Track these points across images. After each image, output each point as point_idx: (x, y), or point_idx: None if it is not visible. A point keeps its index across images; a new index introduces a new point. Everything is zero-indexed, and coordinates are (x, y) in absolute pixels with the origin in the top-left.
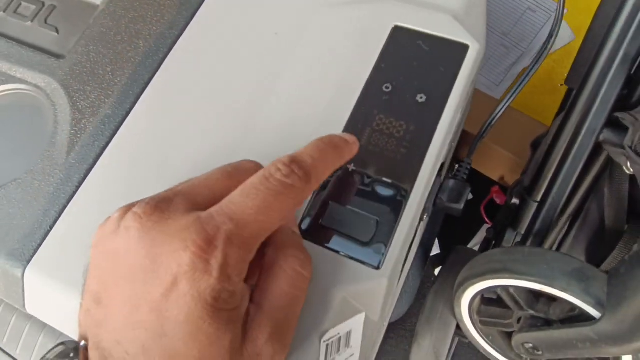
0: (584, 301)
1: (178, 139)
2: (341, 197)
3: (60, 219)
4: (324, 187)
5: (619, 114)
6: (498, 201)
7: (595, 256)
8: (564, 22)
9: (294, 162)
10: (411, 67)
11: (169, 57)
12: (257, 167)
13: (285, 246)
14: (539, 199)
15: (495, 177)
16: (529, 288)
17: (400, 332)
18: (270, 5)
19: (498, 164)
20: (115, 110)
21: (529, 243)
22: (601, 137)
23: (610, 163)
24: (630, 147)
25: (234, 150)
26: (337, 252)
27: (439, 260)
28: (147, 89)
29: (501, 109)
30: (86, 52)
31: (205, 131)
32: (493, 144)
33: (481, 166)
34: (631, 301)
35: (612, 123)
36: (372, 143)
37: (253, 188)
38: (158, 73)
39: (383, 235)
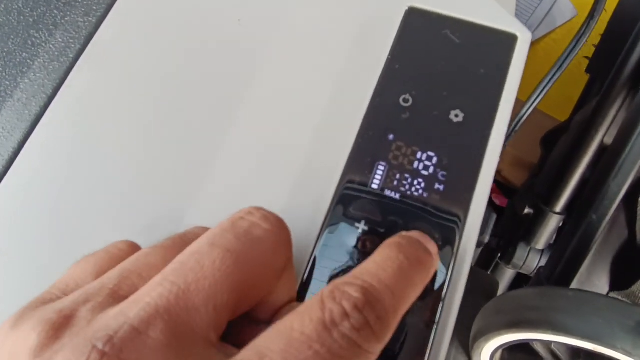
0: None
1: (98, 189)
2: None
3: None
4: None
5: None
6: (497, 202)
7: (622, 276)
8: None
9: (369, 303)
10: (438, 68)
11: (82, 57)
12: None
13: None
14: (558, 209)
15: None
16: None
17: None
18: None
19: None
20: (3, 140)
21: (558, 270)
22: None
23: None
24: None
25: (181, 206)
26: None
27: None
28: (52, 105)
29: (525, 112)
30: None
31: (138, 174)
32: None
33: None
34: None
35: None
36: (389, 186)
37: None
38: (67, 81)
39: (418, 345)
